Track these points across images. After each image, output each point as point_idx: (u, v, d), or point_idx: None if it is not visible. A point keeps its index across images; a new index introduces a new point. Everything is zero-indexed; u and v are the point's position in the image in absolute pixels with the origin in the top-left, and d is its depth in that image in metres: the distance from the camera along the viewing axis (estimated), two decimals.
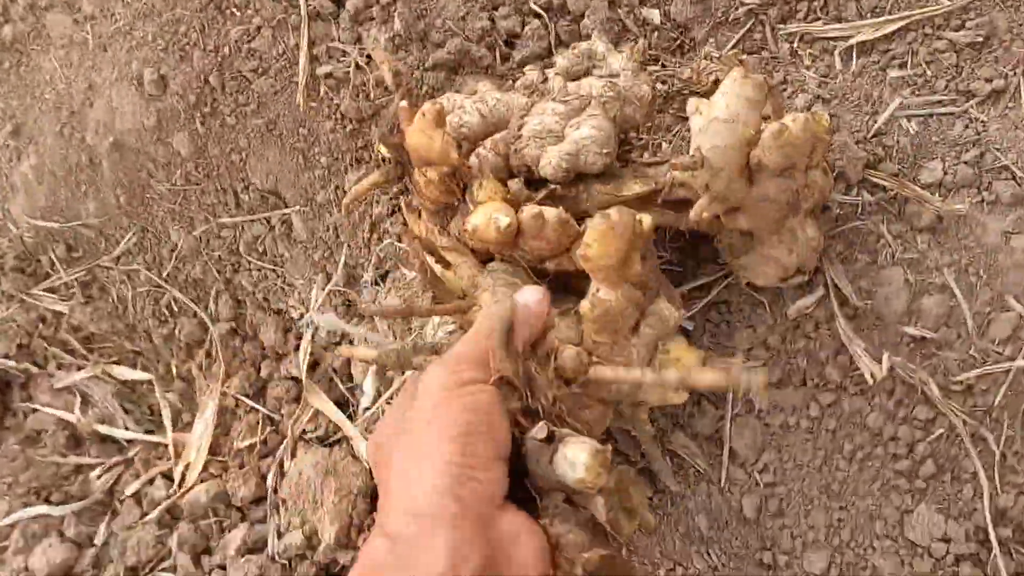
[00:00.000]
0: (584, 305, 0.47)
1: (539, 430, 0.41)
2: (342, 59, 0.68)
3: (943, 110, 0.62)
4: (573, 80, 0.62)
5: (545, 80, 0.63)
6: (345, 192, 0.69)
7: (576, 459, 0.38)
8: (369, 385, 0.69)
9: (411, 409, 0.41)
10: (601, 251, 0.45)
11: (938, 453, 0.57)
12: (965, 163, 0.60)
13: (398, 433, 0.42)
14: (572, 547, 0.39)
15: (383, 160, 0.63)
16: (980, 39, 0.62)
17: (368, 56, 0.67)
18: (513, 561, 0.37)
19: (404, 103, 0.55)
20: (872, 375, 0.57)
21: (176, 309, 0.75)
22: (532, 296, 0.47)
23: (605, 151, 0.56)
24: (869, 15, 0.65)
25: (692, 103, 0.53)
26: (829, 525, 0.58)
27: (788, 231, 0.55)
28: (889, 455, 0.58)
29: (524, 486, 0.42)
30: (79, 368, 0.78)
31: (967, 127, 0.61)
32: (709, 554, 0.58)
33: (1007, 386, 0.56)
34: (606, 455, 0.39)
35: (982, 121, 0.61)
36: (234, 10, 0.70)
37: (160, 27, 0.70)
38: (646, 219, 0.46)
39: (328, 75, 0.68)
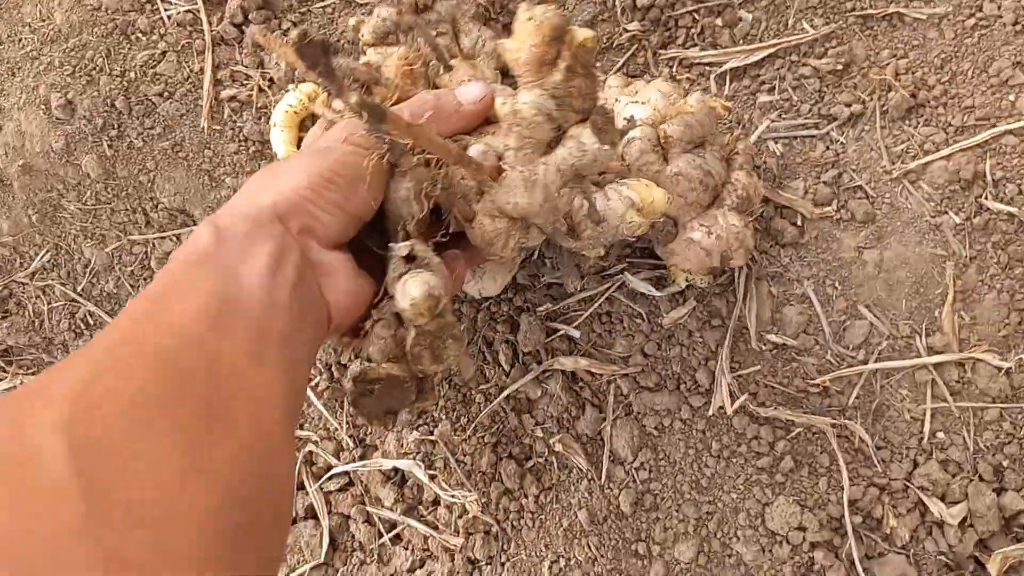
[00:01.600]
0: (498, 101, 0.45)
1: (402, 248, 0.40)
2: (245, 83, 0.69)
3: (806, 132, 0.65)
4: None
5: None
6: None
7: (409, 292, 0.38)
8: None
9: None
10: (517, 44, 0.43)
11: (796, 451, 0.61)
12: (824, 183, 0.63)
13: None
14: (378, 351, 0.39)
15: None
16: (840, 67, 0.65)
17: (271, 80, 0.69)
18: (327, 288, 0.38)
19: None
20: (723, 406, 0.61)
21: (91, 322, 0.74)
22: (469, 92, 0.45)
23: None
24: (741, 42, 0.67)
25: (623, 98, 0.59)
26: (698, 517, 0.61)
27: (710, 217, 0.57)
28: (752, 452, 0.61)
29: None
30: None
31: (827, 148, 0.64)
32: (589, 546, 0.61)
33: (860, 387, 0.61)
34: (438, 300, 0.38)
35: (841, 143, 0.64)
36: (140, 35, 0.70)
37: (66, 52, 0.69)
38: (582, 32, 0.43)
39: (232, 98, 0.68)
